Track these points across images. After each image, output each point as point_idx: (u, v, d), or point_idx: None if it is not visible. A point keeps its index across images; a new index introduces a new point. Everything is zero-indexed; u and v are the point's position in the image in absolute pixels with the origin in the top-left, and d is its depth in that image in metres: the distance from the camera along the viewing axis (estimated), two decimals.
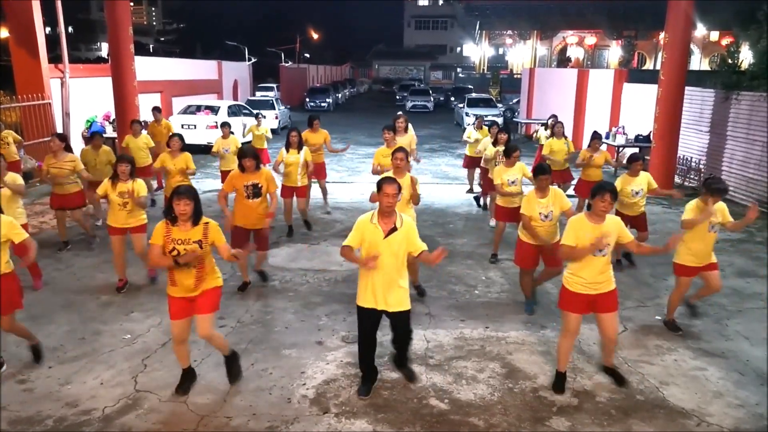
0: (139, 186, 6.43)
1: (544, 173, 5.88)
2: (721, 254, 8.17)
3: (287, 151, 8.47)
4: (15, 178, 6.44)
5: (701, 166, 12.46)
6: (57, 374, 4.90)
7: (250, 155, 6.30)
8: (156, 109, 12.12)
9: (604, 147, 10.24)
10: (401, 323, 4.62)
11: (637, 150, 14.19)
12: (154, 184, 10.85)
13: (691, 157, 12.75)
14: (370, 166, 14.74)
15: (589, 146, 8.97)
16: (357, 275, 7.15)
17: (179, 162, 7.90)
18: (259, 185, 6.32)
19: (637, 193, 7.16)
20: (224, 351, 4.71)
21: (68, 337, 5.55)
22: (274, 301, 6.48)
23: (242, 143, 9.97)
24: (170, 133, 8.78)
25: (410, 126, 9.10)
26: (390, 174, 6.17)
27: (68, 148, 7.85)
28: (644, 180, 7.18)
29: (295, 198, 8.74)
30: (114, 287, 6.71)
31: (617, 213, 7.18)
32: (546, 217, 5.88)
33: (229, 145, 10.07)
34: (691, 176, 12.74)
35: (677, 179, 12.58)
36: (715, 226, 5.51)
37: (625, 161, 8.40)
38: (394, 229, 4.36)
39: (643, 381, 4.93)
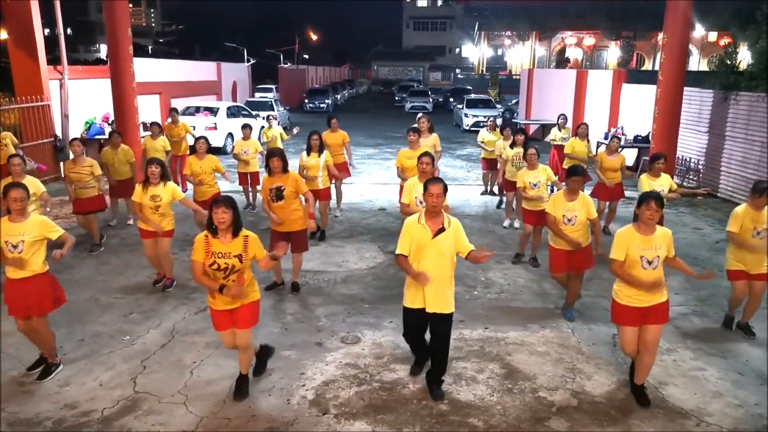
0: (172, 190, 6.48)
1: (576, 174, 5.79)
2: (720, 254, 8.18)
3: (308, 154, 8.35)
4: (37, 185, 6.52)
5: (700, 167, 12.48)
6: (56, 376, 4.89)
7: (277, 155, 6.27)
8: (173, 110, 12.22)
9: (593, 146, 10.21)
10: (443, 326, 4.53)
11: (635, 151, 14.23)
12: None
13: (690, 158, 12.76)
14: (369, 167, 14.87)
15: (606, 147, 8.98)
16: (355, 276, 7.21)
17: (206, 164, 7.95)
18: (282, 188, 6.26)
19: None
20: (245, 368, 4.67)
21: (67, 338, 5.54)
22: (273, 302, 6.47)
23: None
24: (193, 136, 8.91)
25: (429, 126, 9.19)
26: (416, 179, 6.23)
27: (100, 146, 8.10)
28: (666, 181, 7.12)
29: (317, 201, 8.57)
30: (113, 289, 6.74)
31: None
32: (569, 221, 5.76)
33: (248, 147, 10.03)
34: (690, 176, 12.75)
35: (676, 179, 12.57)
36: (762, 231, 5.31)
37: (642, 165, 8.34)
38: (442, 230, 4.34)
39: None
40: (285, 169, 6.31)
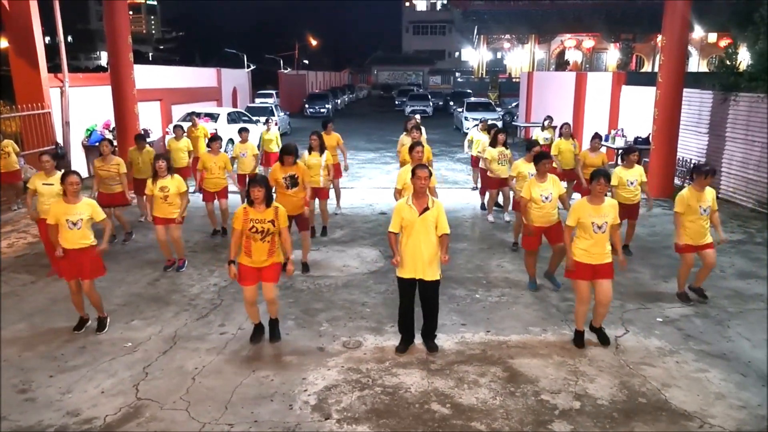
0: (178, 181, 7.32)
1: (544, 158, 6.64)
2: (722, 255, 8.19)
3: (309, 153, 8.63)
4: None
5: None
6: (58, 383, 4.89)
7: (292, 151, 7.15)
8: (194, 114, 13.22)
9: (603, 149, 10.43)
10: (431, 291, 5.31)
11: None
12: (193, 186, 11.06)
13: (691, 159, 12.75)
14: (370, 171, 14.90)
15: (589, 147, 9.34)
16: (357, 281, 7.22)
17: (219, 161, 8.93)
18: (296, 176, 7.16)
19: (632, 183, 7.77)
20: (274, 314, 5.63)
21: (69, 345, 5.55)
22: None
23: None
24: (211, 136, 9.77)
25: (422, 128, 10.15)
26: (410, 166, 6.82)
27: (114, 152, 8.76)
28: (638, 172, 7.81)
29: (317, 200, 8.96)
30: (114, 296, 6.74)
31: None
32: (546, 198, 6.57)
33: (246, 150, 10.42)
34: (691, 178, 12.71)
35: (677, 181, 12.57)
36: (707, 209, 6.29)
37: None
38: (427, 209, 5.10)
39: (645, 383, 4.92)
40: (295, 162, 7.23)
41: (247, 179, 10.41)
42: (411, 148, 7.11)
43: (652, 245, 8.67)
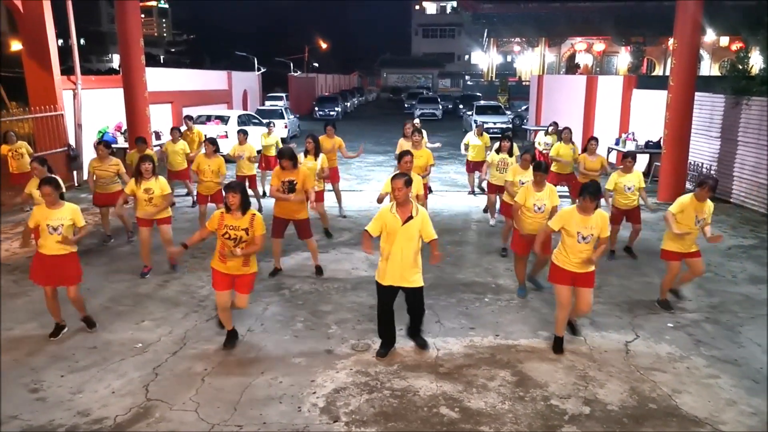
0: (162, 183, 7.16)
1: (538, 170, 6.44)
2: (732, 260, 8.15)
3: (305, 156, 8.65)
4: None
5: (712, 172, 12.38)
6: (68, 383, 4.93)
7: (287, 156, 7.01)
8: (188, 118, 12.92)
9: (604, 152, 10.42)
10: (416, 298, 5.30)
11: (647, 156, 14.15)
12: (193, 187, 11.12)
13: (702, 163, 12.67)
14: (378, 174, 14.91)
15: (586, 150, 9.31)
16: (365, 284, 7.22)
17: (213, 164, 8.80)
18: (294, 182, 7.00)
19: (629, 188, 7.75)
20: (230, 324, 5.59)
21: (79, 346, 5.59)
22: (283, 309, 6.49)
23: (257, 150, 11.08)
24: (205, 139, 9.63)
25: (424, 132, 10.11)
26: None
27: (112, 153, 8.81)
28: (636, 177, 7.79)
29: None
30: (123, 297, 6.79)
31: (614, 207, 7.96)
32: (539, 209, 6.42)
33: (244, 152, 10.41)
34: None
35: (688, 185, 12.49)
36: (701, 221, 6.12)
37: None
38: (411, 217, 5.01)
39: (655, 389, 4.89)
40: (295, 165, 7.03)
41: (247, 182, 10.52)
42: (400, 157, 6.98)
43: (648, 243, 8.60)
